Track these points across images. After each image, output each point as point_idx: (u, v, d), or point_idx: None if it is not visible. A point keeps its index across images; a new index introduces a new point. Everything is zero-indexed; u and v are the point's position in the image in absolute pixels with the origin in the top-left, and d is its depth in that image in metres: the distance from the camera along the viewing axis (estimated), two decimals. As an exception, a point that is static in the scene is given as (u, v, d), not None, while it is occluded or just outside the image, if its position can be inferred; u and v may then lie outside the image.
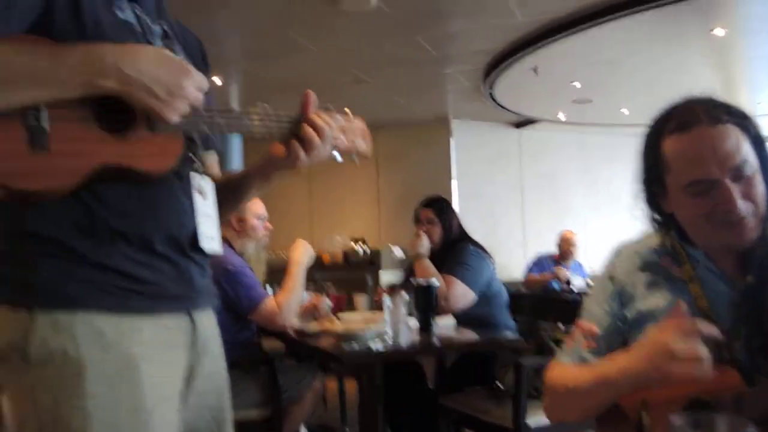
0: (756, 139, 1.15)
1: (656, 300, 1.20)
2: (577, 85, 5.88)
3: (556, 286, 5.67)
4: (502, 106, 6.55)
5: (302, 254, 2.83)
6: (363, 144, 1.28)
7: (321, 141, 1.16)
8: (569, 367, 1.23)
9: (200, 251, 1.11)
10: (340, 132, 1.23)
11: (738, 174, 1.11)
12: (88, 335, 0.96)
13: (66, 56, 0.92)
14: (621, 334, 1.23)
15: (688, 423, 0.80)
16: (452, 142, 7.27)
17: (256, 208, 2.89)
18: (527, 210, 7.58)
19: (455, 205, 6.74)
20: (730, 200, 1.09)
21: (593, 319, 1.26)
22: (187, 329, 1.09)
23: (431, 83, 5.94)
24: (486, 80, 5.61)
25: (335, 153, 1.23)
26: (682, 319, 1.02)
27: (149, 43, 1.09)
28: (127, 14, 1.07)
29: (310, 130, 1.15)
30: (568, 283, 5.63)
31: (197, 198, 1.13)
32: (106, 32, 1.01)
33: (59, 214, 0.97)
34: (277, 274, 3.86)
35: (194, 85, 1.01)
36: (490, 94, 6.04)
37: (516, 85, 5.71)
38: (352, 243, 7.01)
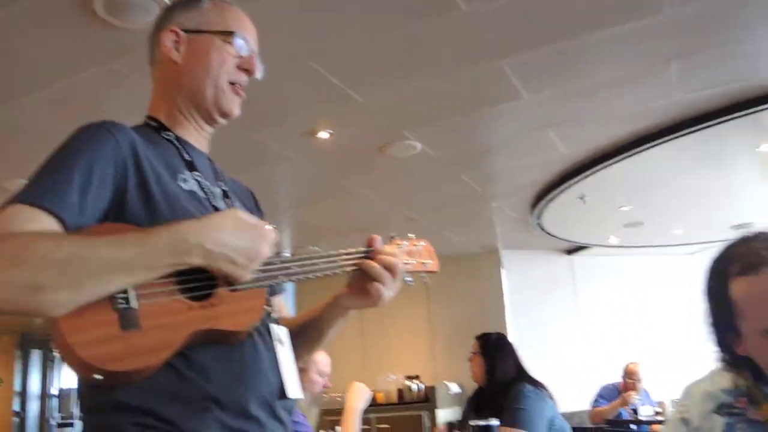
0: None
1: None
2: (626, 209, 5.86)
3: (624, 414, 5.44)
4: (551, 235, 6.54)
5: (358, 399, 2.77)
6: (430, 262, 1.35)
7: (394, 276, 1.20)
8: None
9: (285, 405, 1.10)
10: (408, 256, 1.30)
11: None
12: None
13: (151, 242, 0.93)
14: None
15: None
16: (503, 272, 7.22)
17: (321, 365, 2.82)
18: (584, 337, 7.32)
19: (510, 334, 6.57)
20: None
21: None
22: None
23: (479, 217, 6.01)
24: (533, 211, 5.64)
25: (406, 277, 1.27)
26: None
27: (214, 206, 1.14)
28: (190, 184, 1.13)
29: (379, 269, 1.18)
30: (635, 411, 5.41)
31: (278, 348, 1.12)
32: (176, 205, 1.04)
33: (150, 383, 0.95)
34: (329, 414, 3.75)
35: (269, 245, 1.03)
36: (539, 224, 6.05)
37: (564, 213, 5.72)
38: (406, 380, 6.85)
